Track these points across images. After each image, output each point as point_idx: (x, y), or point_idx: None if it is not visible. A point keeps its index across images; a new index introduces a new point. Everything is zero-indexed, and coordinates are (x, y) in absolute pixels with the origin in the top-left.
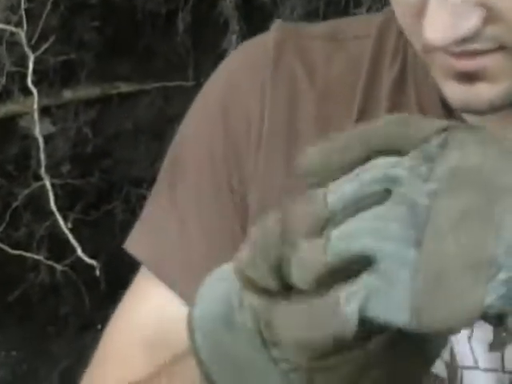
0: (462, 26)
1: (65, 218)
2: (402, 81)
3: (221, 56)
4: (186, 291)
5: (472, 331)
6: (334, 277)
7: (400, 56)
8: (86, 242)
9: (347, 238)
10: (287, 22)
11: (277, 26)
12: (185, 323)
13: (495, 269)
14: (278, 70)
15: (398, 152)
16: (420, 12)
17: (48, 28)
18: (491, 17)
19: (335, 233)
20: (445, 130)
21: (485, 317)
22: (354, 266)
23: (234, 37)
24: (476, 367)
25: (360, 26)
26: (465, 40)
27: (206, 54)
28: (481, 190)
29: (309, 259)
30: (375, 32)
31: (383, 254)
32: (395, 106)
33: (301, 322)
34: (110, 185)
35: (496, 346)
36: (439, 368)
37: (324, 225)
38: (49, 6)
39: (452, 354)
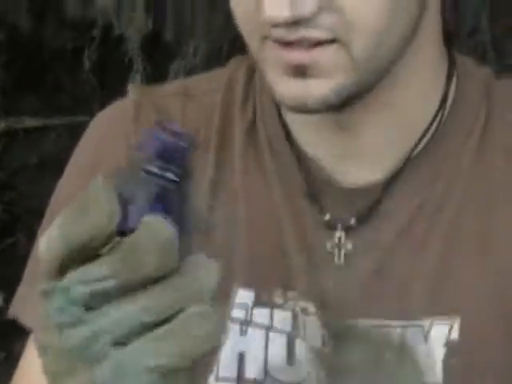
0: (298, 5)
1: None
2: (253, 124)
3: (126, 93)
4: None
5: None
6: None
7: (250, 103)
8: None
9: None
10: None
11: (133, 88)
12: None
13: None
14: (139, 127)
15: None
16: (259, 5)
17: None
18: (328, 5)
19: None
20: None
21: None
22: None
23: (139, 75)
24: None
25: (210, 82)
26: (301, 23)
27: (112, 90)
28: None
29: None
30: (224, 86)
31: None
32: (249, 144)
33: None
34: (14, 217)
35: None
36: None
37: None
38: None
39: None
